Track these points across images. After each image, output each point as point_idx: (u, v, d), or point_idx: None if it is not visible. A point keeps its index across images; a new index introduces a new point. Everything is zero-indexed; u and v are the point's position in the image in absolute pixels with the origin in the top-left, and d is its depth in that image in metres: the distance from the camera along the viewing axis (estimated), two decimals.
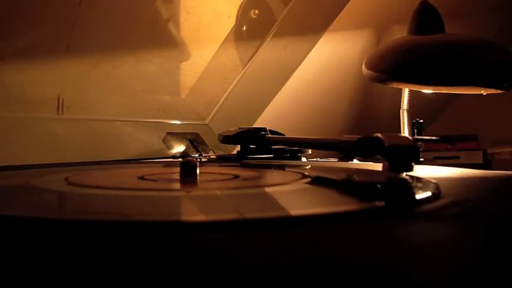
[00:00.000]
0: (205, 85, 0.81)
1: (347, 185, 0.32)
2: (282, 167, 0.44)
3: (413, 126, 0.87)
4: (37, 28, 0.59)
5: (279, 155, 0.54)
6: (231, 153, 0.70)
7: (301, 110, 1.05)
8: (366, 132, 0.33)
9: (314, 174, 0.36)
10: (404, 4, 0.94)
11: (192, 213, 0.23)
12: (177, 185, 0.32)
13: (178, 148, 0.73)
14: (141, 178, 0.32)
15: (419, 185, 0.29)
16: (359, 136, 0.33)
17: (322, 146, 0.46)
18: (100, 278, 0.13)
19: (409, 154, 0.29)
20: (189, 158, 0.33)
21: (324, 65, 1.03)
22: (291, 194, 0.27)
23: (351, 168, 0.44)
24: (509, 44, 0.77)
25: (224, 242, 0.16)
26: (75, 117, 0.64)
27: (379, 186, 0.31)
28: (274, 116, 0.95)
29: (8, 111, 0.58)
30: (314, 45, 0.93)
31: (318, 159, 0.64)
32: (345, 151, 0.40)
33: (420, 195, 0.25)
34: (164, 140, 0.73)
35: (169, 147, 0.73)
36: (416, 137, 0.85)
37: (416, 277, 0.13)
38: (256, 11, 0.82)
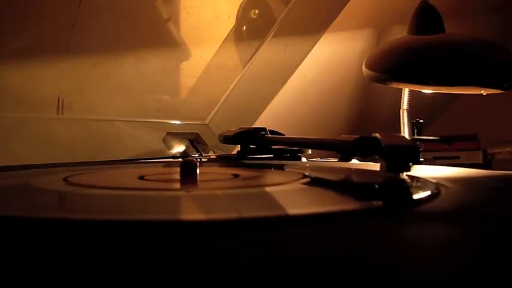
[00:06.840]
0: (205, 85, 0.81)
1: (345, 185, 0.32)
2: (281, 167, 0.44)
3: (413, 126, 0.87)
4: (37, 28, 0.59)
5: (279, 155, 0.54)
6: (231, 153, 0.70)
7: (301, 110, 1.05)
8: (366, 132, 0.33)
9: (313, 174, 0.36)
10: (404, 4, 0.94)
11: (192, 213, 0.23)
12: (177, 185, 0.32)
13: (178, 148, 0.73)
14: (141, 178, 0.32)
15: (418, 184, 0.29)
16: (357, 136, 0.32)
17: (321, 146, 0.46)
18: (100, 277, 0.13)
19: (407, 154, 0.29)
20: (189, 158, 0.33)
21: (324, 65, 1.03)
22: (290, 194, 0.27)
23: (350, 169, 0.44)
24: (509, 44, 0.76)
25: (224, 241, 0.16)
26: (75, 117, 0.64)
27: (377, 186, 0.31)
28: (274, 116, 0.95)
29: (8, 111, 0.58)
30: (314, 45, 0.93)
31: (318, 159, 0.64)
32: (343, 151, 0.40)
33: (419, 195, 0.25)
34: (164, 140, 0.73)
35: (169, 147, 0.73)
36: (414, 136, 0.85)
37: (415, 277, 0.13)
38: (256, 11, 0.82)
